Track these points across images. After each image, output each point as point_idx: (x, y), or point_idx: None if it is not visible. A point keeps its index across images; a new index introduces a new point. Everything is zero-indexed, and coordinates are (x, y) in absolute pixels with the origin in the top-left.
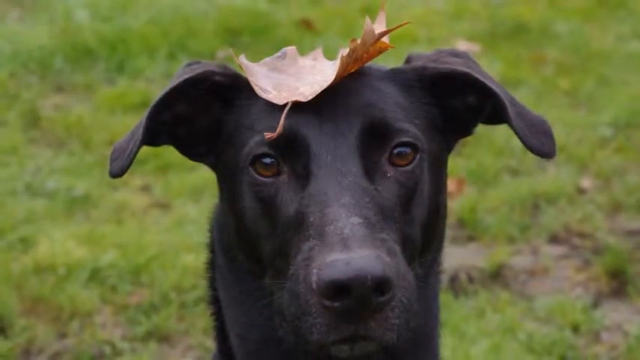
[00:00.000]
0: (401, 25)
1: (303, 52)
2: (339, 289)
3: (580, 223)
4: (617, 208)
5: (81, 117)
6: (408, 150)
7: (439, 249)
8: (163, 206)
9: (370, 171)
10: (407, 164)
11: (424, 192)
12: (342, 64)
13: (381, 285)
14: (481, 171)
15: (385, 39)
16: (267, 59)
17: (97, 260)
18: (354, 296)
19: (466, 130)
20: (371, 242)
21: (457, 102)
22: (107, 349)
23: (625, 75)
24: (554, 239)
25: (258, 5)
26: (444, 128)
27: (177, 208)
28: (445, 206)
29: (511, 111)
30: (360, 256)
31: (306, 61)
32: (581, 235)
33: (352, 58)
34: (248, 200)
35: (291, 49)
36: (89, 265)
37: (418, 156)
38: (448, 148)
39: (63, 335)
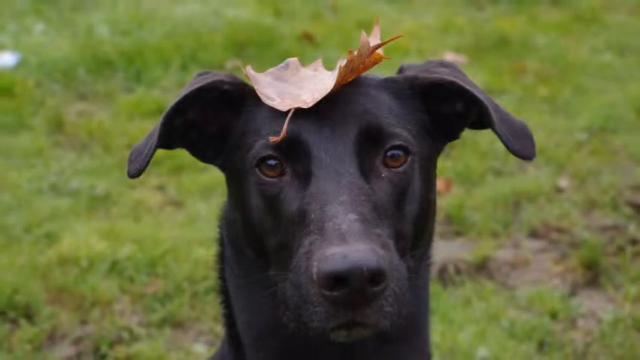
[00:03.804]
0: (394, 39)
1: (304, 62)
2: (337, 279)
3: (558, 220)
4: (591, 205)
5: (102, 122)
6: (400, 153)
7: (429, 243)
8: (177, 204)
9: (366, 172)
10: (399, 166)
11: (415, 191)
12: (340, 73)
13: (375, 276)
14: (467, 172)
15: (380, 51)
16: (271, 69)
17: (116, 253)
18: (351, 286)
19: (454, 135)
20: (367, 237)
21: (445, 108)
22: (125, 335)
23: (599, 84)
24: (533, 234)
25: (264, 20)
26: (433, 132)
27: (190, 206)
28: (434, 204)
29: (494, 117)
30: (357, 250)
31: (307, 71)
32: (559, 230)
33: (349, 68)
34: (254, 198)
35: (293, 60)
36: (109, 257)
37: (410, 158)
38: (437, 151)
39: (85, 322)
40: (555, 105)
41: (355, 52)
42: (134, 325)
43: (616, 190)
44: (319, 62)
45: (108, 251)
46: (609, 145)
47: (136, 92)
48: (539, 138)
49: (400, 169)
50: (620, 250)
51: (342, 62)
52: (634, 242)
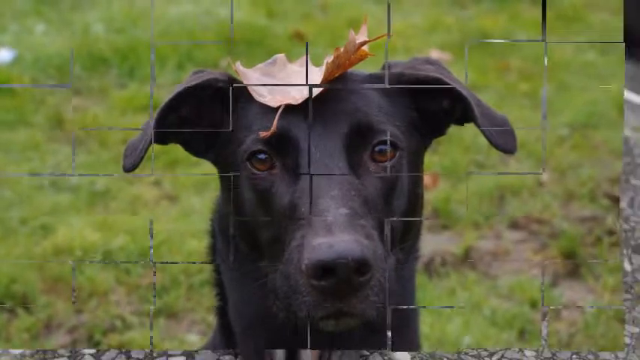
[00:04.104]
0: (380, 37)
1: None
2: (325, 269)
3: (539, 212)
4: (571, 197)
5: (96, 117)
6: (388, 148)
7: (417, 236)
8: (172, 198)
9: (355, 166)
10: (387, 160)
11: (404, 185)
12: (327, 69)
13: (361, 266)
14: (454, 167)
15: (365, 48)
16: (259, 65)
17: (110, 244)
18: (338, 276)
19: (440, 130)
20: (351, 228)
21: (432, 105)
22: (118, 323)
23: (582, 82)
24: (514, 225)
25: (256, 19)
26: (421, 129)
27: (184, 200)
28: (422, 198)
29: (477, 112)
30: (342, 240)
31: (294, 67)
32: (539, 221)
33: (336, 64)
34: (246, 192)
35: (280, 56)
36: (103, 248)
37: (398, 153)
38: (425, 146)
39: (80, 312)
40: (537, 101)
41: (342, 49)
42: (127, 315)
43: (594, 182)
44: (304, 58)
45: (102, 242)
46: (590, 140)
47: (129, 88)
48: (521, 133)
49: (388, 164)
50: (598, 240)
51: (329, 58)
52: (611, 233)
